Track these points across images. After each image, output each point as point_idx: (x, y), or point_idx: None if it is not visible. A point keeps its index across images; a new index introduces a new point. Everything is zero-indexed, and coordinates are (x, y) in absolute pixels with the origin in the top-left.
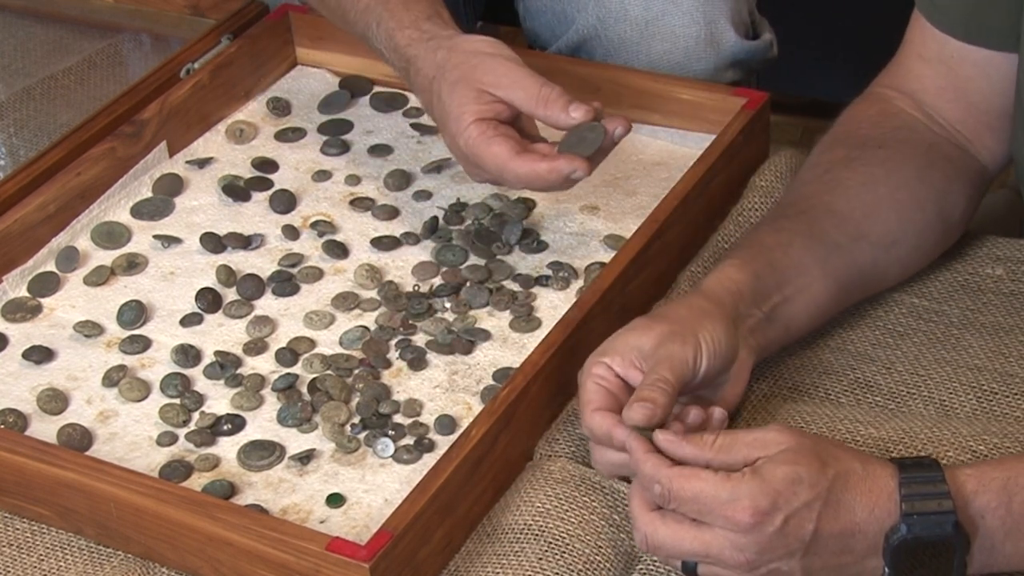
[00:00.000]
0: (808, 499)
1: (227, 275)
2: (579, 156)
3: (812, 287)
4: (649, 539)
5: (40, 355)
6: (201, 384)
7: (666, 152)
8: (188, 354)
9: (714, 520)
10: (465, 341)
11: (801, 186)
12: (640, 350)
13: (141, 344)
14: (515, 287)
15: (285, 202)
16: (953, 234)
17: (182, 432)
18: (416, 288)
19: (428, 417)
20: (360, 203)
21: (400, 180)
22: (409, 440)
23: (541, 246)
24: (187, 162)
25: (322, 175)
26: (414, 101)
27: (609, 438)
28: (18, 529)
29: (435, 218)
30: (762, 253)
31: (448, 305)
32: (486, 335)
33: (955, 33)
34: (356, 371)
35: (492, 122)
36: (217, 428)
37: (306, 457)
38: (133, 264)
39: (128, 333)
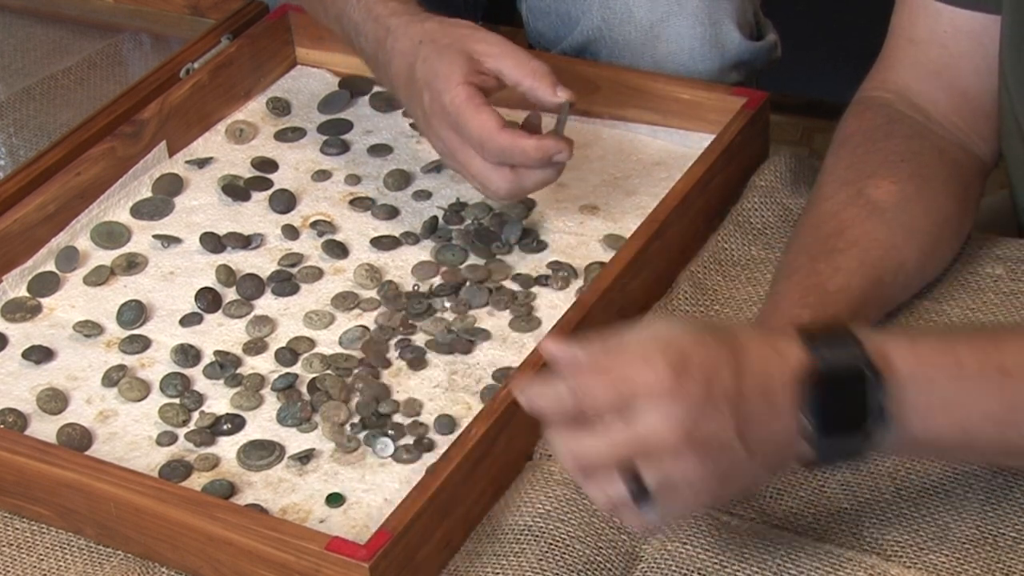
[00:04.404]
0: (717, 353)
1: (227, 275)
2: (565, 139)
3: None
4: (578, 457)
5: (40, 355)
6: (201, 384)
7: (666, 152)
8: (188, 354)
9: (635, 396)
10: (465, 341)
11: (840, 210)
12: None
13: (141, 344)
14: (515, 287)
15: (285, 202)
16: (963, 240)
17: (182, 432)
18: (416, 288)
19: (428, 417)
20: (360, 203)
21: (400, 180)
22: (409, 440)
23: (541, 246)
24: (187, 162)
25: (322, 175)
26: None
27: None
28: (18, 529)
29: (435, 218)
30: (830, 306)
31: (448, 305)
32: (486, 335)
33: None
34: (356, 371)
35: (480, 92)
36: (217, 428)
37: (306, 457)
38: (133, 264)
39: (128, 333)
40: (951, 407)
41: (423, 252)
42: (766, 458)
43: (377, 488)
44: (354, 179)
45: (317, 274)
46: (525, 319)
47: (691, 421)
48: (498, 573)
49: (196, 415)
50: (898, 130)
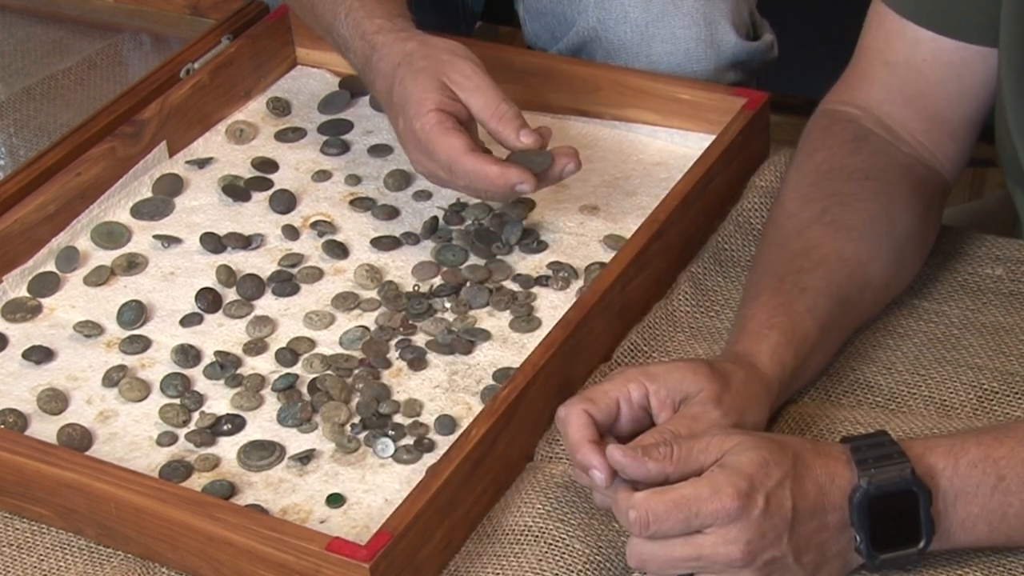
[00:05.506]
0: (779, 477)
1: (227, 275)
2: (530, 171)
3: (825, 350)
4: (640, 554)
5: (40, 355)
6: (201, 384)
7: (666, 152)
8: (188, 354)
9: (702, 520)
10: (465, 341)
11: (805, 228)
12: (689, 398)
13: (141, 344)
14: (515, 287)
15: (285, 202)
16: (926, 255)
17: (182, 432)
18: (416, 288)
19: (428, 417)
20: (360, 203)
21: (400, 180)
22: (409, 440)
23: (541, 246)
24: (187, 162)
25: (322, 175)
26: None
27: (576, 446)
28: (18, 529)
29: (435, 218)
30: (798, 325)
31: (448, 305)
32: (486, 335)
33: (935, 25)
34: (356, 371)
35: (451, 116)
36: (217, 428)
37: (306, 457)
38: (133, 264)
39: (128, 333)
40: (994, 518)
41: (423, 252)
42: (817, 571)
43: (377, 488)
44: (354, 179)
45: (317, 274)
46: (525, 319)
47: (752, 542)
48: (498, 573)
49: (196, 415)
50: (864, 147)
